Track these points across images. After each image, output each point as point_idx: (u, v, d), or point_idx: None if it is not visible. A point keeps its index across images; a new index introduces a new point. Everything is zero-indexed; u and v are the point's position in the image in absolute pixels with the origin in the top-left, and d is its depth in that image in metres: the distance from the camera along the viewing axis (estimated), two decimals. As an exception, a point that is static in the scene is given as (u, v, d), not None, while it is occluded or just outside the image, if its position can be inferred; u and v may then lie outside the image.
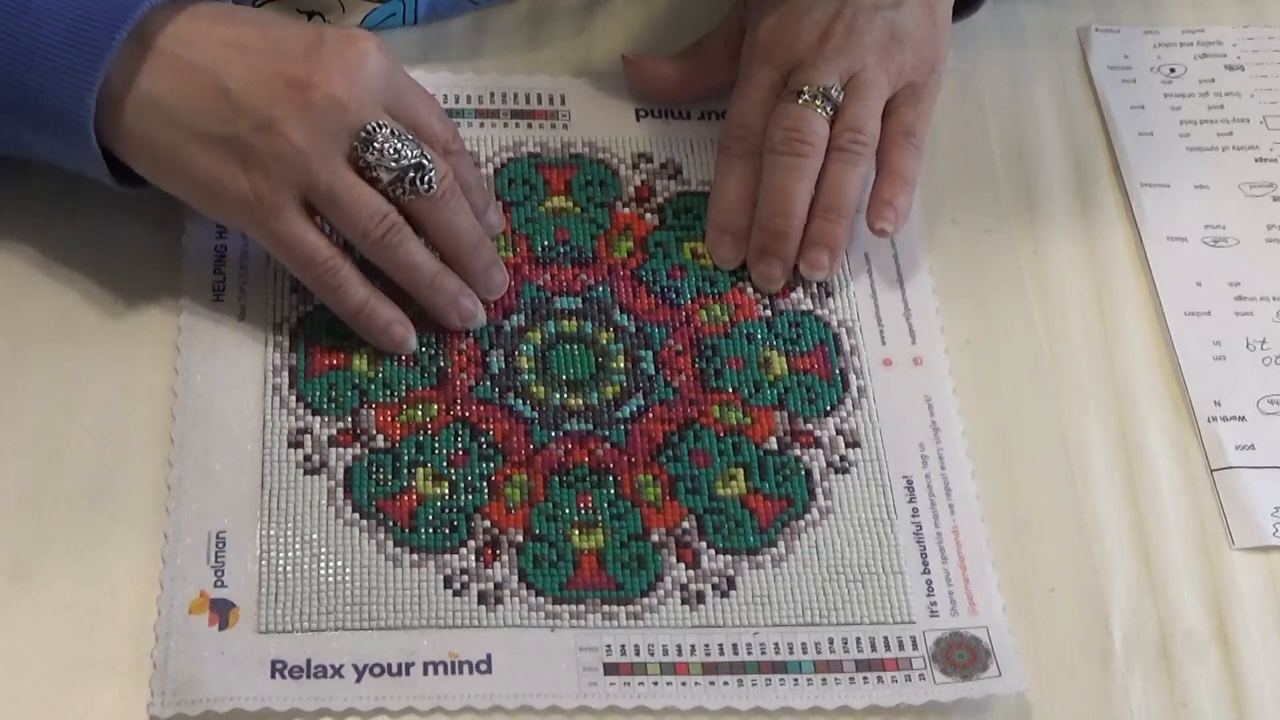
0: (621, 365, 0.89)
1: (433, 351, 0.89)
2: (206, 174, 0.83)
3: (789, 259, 0.92)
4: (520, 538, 0.83)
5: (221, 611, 0.79)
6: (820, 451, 0.87)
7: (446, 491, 0.84)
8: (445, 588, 0.81)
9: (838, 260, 0.93)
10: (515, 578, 0.81)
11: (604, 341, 0.90)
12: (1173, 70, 1.08)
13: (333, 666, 0.78)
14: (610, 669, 0.79)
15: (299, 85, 0.83)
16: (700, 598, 0.82)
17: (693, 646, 0.80)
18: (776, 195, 0.92)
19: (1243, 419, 0.92)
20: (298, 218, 0.84)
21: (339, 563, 0.81)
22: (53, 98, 0.81)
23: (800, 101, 0.92)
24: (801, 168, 0.92)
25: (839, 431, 0.88)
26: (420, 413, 0.87)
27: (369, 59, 0.85)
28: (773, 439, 0.88)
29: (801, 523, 0.85)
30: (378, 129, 0.84)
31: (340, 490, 0.83)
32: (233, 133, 0.82)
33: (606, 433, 0.87)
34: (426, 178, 0.85)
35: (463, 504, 0.83)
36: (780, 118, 0.92)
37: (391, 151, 0.84)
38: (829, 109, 0.93)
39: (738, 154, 0.94)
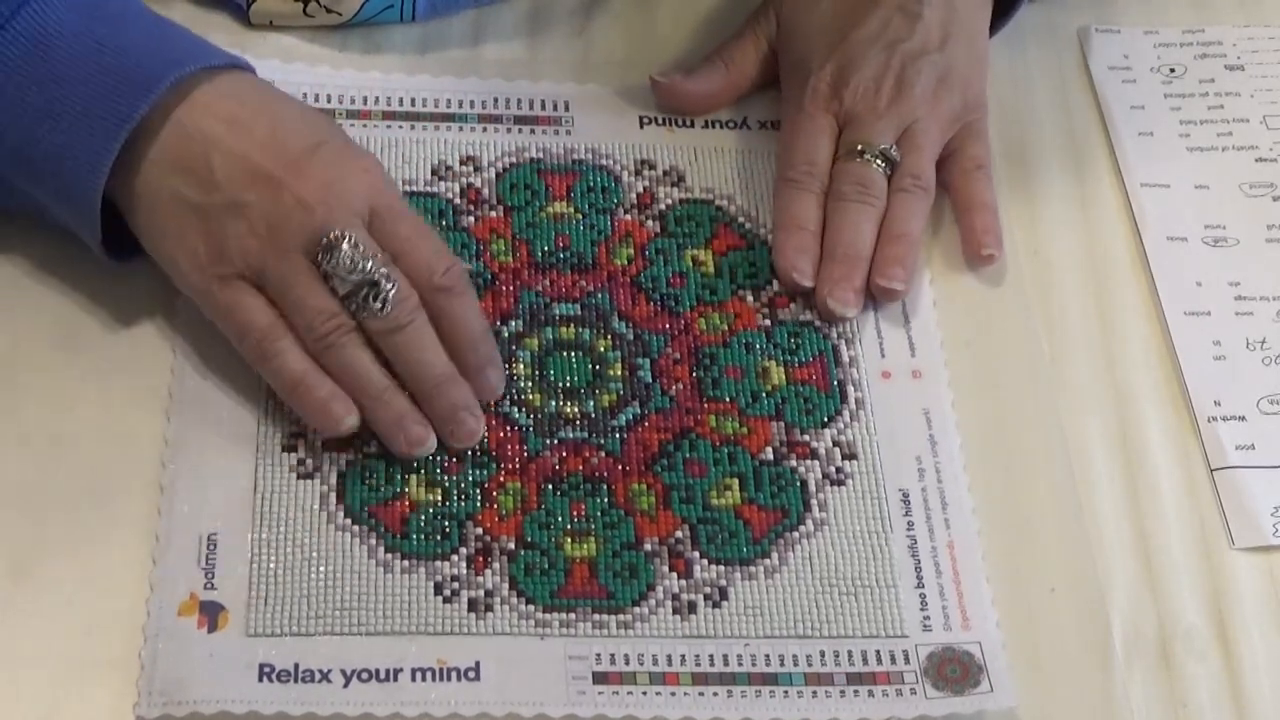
0: (619, 373, 0.89)
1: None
2: (173, 235, 0.84)
3: (862, 285, 0.93)
4: (512, 545, 0.83)
5: (211, 614, 0.79)
6: (816, 463, 0.87)
7: (439, 498, 0.84)
8: (435, 594, 0.81)
9: (910, 277, 0.93)
10: (506, 585, 0.81)
11: (602, 349, 0.90)
12: (1173, 70, 1.08)
13: (321, 671, 0.78)
14: (599, 678, 0.79)
15: (273, 182, 0.83)
16: (692, 608, 0.82)
17: (683, 656, 0.80)
18: (848, 228, 0.93)
19: (1243, 419, 0.92)
20: (242, 289, 0.83)
21: (329, 567, 0.81)
22: (69, 161, 0.83)
23: (860, 161, 0.94)
24: (869, 211, 0.94)
25: (836, 443, 0.88)
26: (415, 419, 0.87)
27: (357, 174, 0.85)
28: (769, 450, 0.87)
29: (795, 534, 0.85)
30: (341, 238, 0.82)
31: (333, 495, 0.83)
32: (205, 203, 0.83)
33: (601, 441, 0.87)
34: (381, 296, 0.82)
35: (455, 511, 0.83)
36: (845, 175, 0.94)
37: (348, 263, 0.82)
38: (888, 167, 0.95)
39: (808, 188, 0.95)
